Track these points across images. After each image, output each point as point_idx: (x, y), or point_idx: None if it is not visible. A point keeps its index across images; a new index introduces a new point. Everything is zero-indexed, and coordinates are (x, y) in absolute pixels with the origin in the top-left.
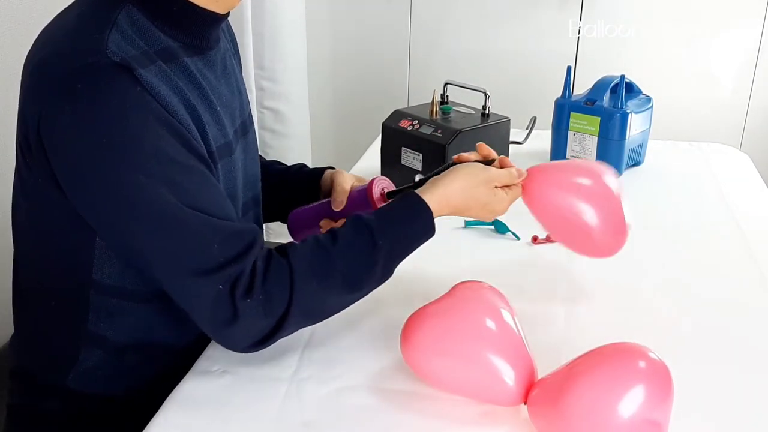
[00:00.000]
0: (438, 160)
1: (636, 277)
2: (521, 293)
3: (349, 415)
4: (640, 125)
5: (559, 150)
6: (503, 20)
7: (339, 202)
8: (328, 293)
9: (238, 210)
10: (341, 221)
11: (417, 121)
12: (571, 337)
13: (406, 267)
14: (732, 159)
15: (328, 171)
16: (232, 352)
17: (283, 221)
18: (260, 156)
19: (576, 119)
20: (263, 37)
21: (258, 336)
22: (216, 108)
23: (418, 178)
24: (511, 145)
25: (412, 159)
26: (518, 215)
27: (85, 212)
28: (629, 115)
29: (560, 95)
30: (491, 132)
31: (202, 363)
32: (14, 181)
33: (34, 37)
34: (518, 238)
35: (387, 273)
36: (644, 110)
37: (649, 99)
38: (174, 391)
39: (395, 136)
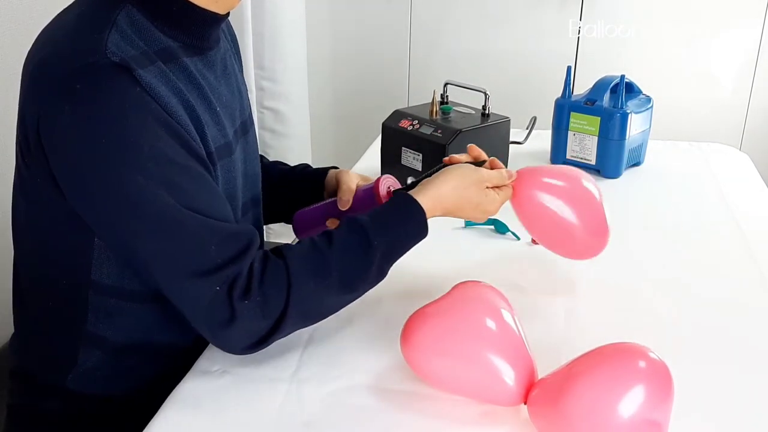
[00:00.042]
0: (438, 160)
1: (636, 277)
2: (521, 293)
3: (349, 415)
4: (640, 125)
5: (559, 150)
6: (503, 20)
7: (345, 201)
8: (324, 294)
9: (237, 210)
10: None
11: (417, 121)
12: (571, 337)
13: (407, 267)
14: (732, 159)
15: (333, 170)
16: None
17: (287, 222)
18: (263, 157)
19: (576, 119)
20: (263, 37)
21: (255, 337)
22: (215, 108)
23: (410, 180)
24: (511, 145)
25: (412, 159)
26: None
27: (84, 212)
28: (629, 115)
29: (560, 95)
30: (491, 132)
31: (202, 363)
32: (14, 181)
33: (34, 37)
34: (518, 238)
35: (382, 273)
36: (644, 110)
37: (649, 99)
38: (174, 391)
39: (395, 136)
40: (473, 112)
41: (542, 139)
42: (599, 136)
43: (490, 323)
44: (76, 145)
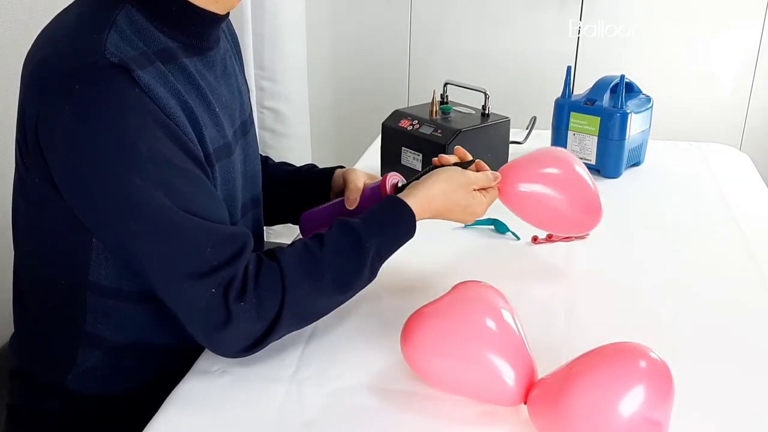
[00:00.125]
0: None
1: (636, 277)
2: (521, 293)
3: (349, 415)
4: (640, 125)
5: None
6: (503, 20)
7: (353, 200)
8: (318, 295)
9: (237, 210)
10: None
11: (417, 121)
12: (571, 337)
13: (407, 267)
14: (732, 159)
15: (339, 170)
16: None
17: (293, 223)
18: (269, 158)
19: (576, 119)
20: (263, 37)
21: (250, 339)
22: (215, 109)
23: (400, 184)
24: (511, 145)
25: (412, 159)
26: None
27: (81, 213)
28: (629, 115)
29: (560, 95)
30: (491, 132)
31: (202, 363)
32: (14, 181)
33: (34, 37)
34: (518, 238)
35: (373, 273)
36: (644, 110)
37: (649, 99)
38: (174, 391)
39: (395, 136)
40: (473, 112)
41: (542, 139)
42: (599, 136)
43: (490, 323)
44: (74, 146)
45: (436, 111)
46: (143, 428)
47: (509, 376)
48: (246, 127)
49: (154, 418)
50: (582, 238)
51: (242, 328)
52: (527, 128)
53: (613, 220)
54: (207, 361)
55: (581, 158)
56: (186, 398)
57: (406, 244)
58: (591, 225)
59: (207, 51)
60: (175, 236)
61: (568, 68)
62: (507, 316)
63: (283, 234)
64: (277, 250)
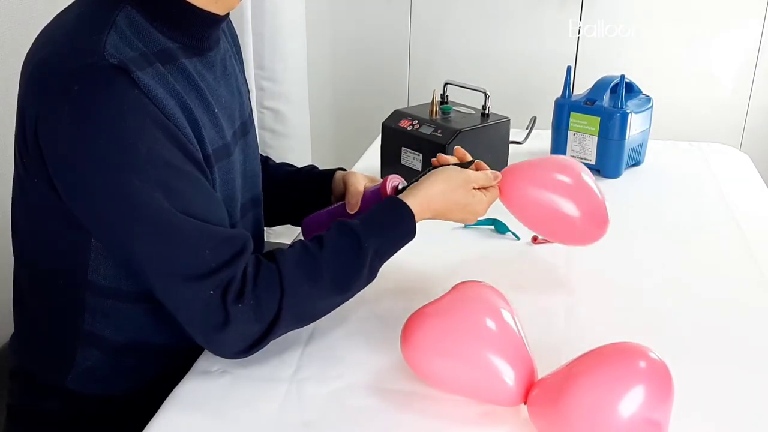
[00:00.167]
0: None
1: (636, 277)
2: (521, 293)
3: (349, 415)
4: (640, 125)
5: (559, 150)
6: (503, 20)
7: (353, 204)
8: (317, 296)
9: (236, 211)
10: None
11: (417, 121)
12: (571, 337)
13: (407, 267)
14: (732, 159)
15: (340, 172)
16: None
17: (294, 224)
18: (269, 158)
19: (576, 119)
20: (263, 37)
21: (249, 341)
22: (214, 110)
23: (401, 186)
24: (511, 145)
25: (412, 159)
26: None
27: (80, 213)
28: (629, 115)
29: (560, 95)
30: (491, 132)
31: (201, 363)
32: (13, 181)
33: (34, 37)
34: (518, 238)
35: (372, 274)
36: (644, 110)
37: (649, 99)
38: (174, 391)
39: (395, 136)
40: (473, 112)
41: (542, 139)
42: (599, 136)
43: (490, 323)
44: (73, 147)
45: (436, 111)
46: (143, 428)
47: (509, 376)
48: (246, 127)
49: (154, 418)
50: None
51: (240, 329)
52: (527, 128)
53: (613, 220)
54: (207, 361)
55: (581, 158)
56: (186, 398)
57: (406, 245)
58: (595, 236)
59: (207, 52)
60: (174, 238)
61: (568, 68)
62: (507, 316)
63: (283, 234)
64: (276, 252)
